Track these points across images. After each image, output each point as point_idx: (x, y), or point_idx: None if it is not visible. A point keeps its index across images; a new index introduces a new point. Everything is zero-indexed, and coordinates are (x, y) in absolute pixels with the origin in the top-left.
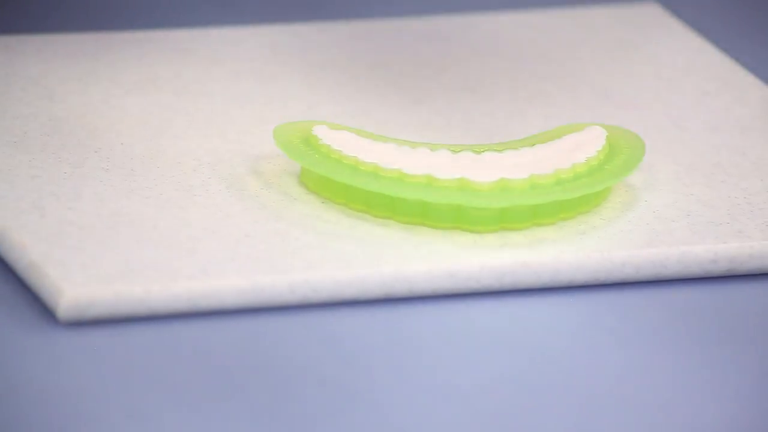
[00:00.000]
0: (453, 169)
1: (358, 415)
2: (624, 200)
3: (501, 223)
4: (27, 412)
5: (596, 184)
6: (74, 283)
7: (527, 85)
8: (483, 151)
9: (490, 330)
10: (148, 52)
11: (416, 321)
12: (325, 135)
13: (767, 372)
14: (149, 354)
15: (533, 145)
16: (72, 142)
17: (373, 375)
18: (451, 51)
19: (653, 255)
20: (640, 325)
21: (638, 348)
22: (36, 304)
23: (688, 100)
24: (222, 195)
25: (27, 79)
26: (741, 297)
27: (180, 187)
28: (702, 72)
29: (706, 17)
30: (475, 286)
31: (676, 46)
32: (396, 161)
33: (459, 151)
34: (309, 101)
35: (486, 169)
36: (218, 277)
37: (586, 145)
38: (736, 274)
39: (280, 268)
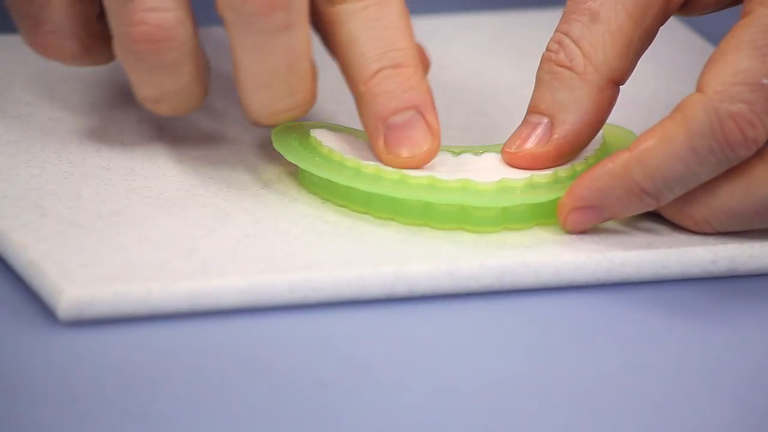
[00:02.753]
0: (454, 171)
1: (358, 416)
2: None
3: (503, 224)
4: (27, 412)
5: None
6: (74, 282)
7: (527, 85)
8: (482, 152)
9: (490, 330)
10: None
11: (416, 321)
12: (324, 137)
13: (767, 373)
14: (149, 353)
15: None
16: (72, 142)
17: (373, 375)
18: (451, 51)
19: (653, 255)
20: (639, 326)
21: (638, 348)
22: (36, 303)
23: None
24: (222, 194)
25: (27, 78)
26: (741, 298)
27: (180, 187)
28: None
29: (706, 17)
30: (475, 286)
31: (676, 46)
32: None
33: (459, 153)
34: None
35: (487, 171)
36: (218, 277)
37: None
38: (737, 274)
39: (279, 268)
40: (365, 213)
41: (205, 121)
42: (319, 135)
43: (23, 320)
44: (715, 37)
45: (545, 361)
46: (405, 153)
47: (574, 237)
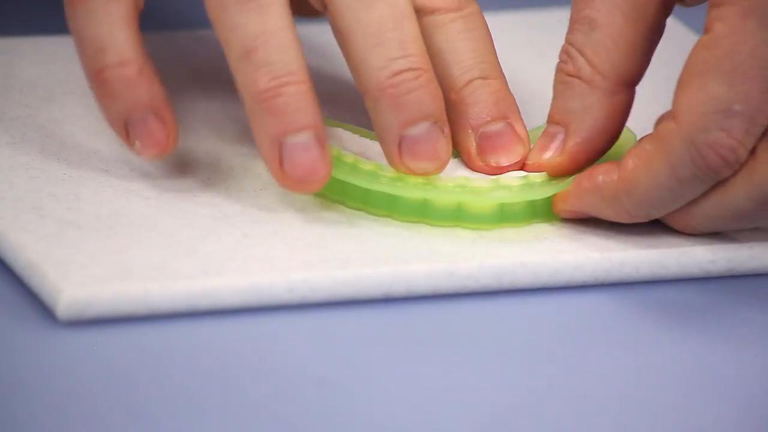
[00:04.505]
0: (453, 170)
1: (357, 415)
2: None
3: (500, 221)
4: (26, 412)
5: None
6: (73, 282)
7: (527, 85)
8: None
9: (488, 330)
10: None
11: (415, 321)
12: None
13: (767, 372)
14: (148, 353)
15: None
16: (70, 143)
17: (372, 374)
18: None
19: (652, 255)
20: (638, 325)
21: (637, 348)
22: (35, 303)
23: None
24: (221, 195)
25: (26, 80)
26: (740, 298)
27: (179, 187)
28: None
29: (705, 17)
30: (474, 285)
31: (676, 46)
32: None
33: (458, 155)
34: None
35: None
36: (217, 277)
37: None
38: (735, 274)
39: (278, 268)
40: (362, 209)
41: (203, 122)
42: None
43: (22, 320)
44: None
45: (544, 360)
46: (497, 161)
47: (573, 237)
